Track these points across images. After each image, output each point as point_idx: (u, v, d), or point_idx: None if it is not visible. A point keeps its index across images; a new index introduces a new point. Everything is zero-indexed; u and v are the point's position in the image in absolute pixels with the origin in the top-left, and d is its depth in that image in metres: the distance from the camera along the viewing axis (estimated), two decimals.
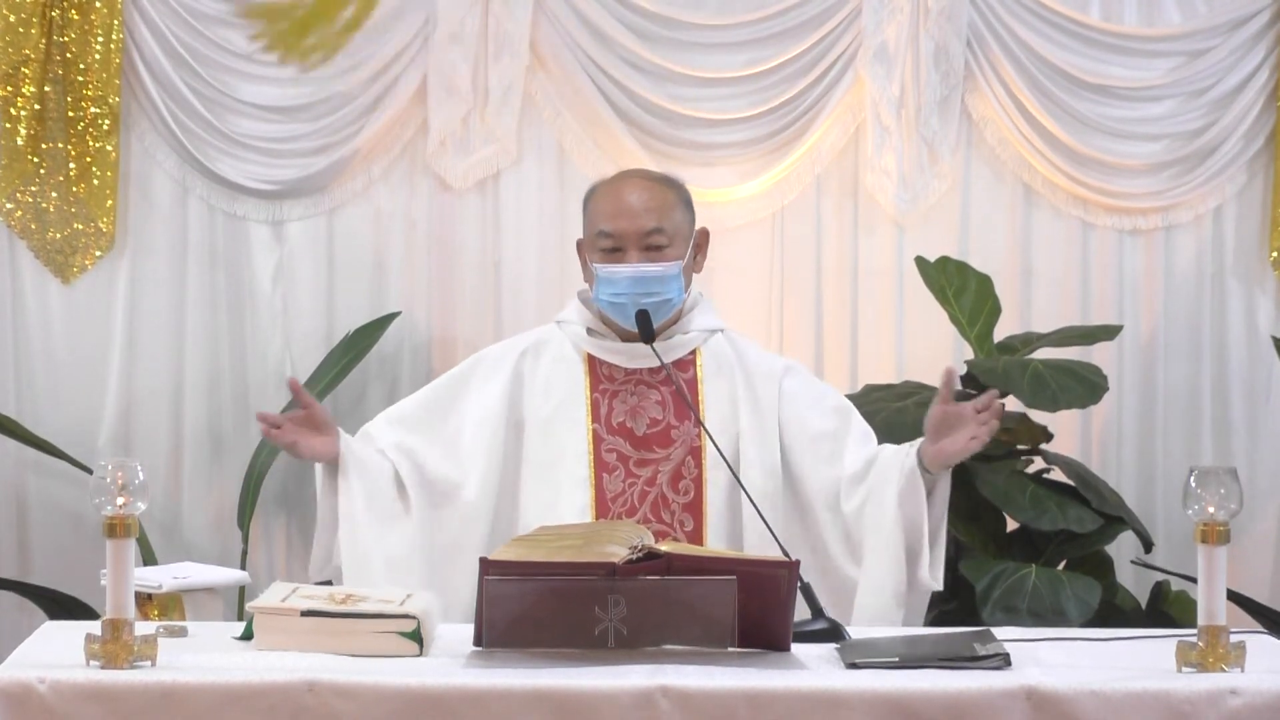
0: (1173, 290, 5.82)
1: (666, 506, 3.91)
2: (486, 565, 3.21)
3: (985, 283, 5.50)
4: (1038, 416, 5.43)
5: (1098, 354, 5.63)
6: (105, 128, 5.54)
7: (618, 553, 3.21)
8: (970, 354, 5.50)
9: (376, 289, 5.73)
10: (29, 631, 3.51)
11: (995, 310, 5.48)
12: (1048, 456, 5.44)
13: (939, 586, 3.88)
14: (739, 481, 3.84)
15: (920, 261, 5.53)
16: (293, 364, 5.68)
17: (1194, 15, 5.77)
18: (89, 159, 5.55)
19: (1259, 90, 5.77)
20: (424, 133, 5.68)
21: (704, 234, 4.02)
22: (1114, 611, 5.16)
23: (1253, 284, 5.82)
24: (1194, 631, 3.17)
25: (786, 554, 3.56)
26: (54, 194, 5.59)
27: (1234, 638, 3.17)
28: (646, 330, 3.87)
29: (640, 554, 3.22)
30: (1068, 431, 5.67)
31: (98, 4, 5.52)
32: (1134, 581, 5.58)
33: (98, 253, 5.62)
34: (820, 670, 3.17)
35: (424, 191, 5.72)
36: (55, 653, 3.18)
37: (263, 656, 3.21)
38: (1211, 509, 3.17)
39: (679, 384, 3.93)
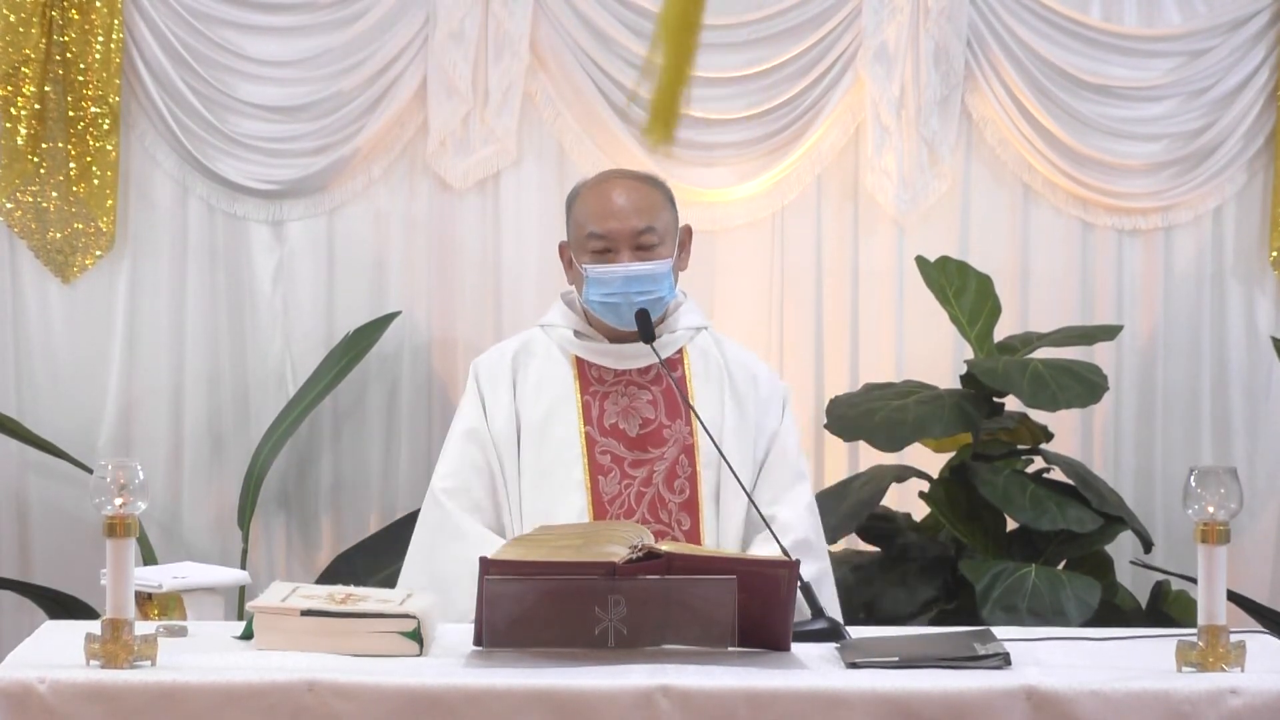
0: (1172, 290, 5.82)
1: (664, 506, 3.90)
2: (486, 565, 3.21)
3: (985, 283, 5.50)
4: (1038, 416, 5.43)
5: (1097, 354, 5.63)
6: (105, 128, 5.54)
7: (618, 552, 3.22)
8: (970, 354, 5.50)
9: (376, 289, 5.73)
10: (29, 631, 3.51)
11: (995, 310, 5.48)
12: (1048, 456, 5.44)
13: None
14: (738, 480, 3.82)
15: (920, 261, 5.53)
16: (293, 364, 5.68)
17: (1194, 15, 5.77)
18: (89, 159, 5.55)
19: (1259, 90, 5.76)
20: (424, 133, 5.68)
21: (687, 231, 4.01)
22: (1114, 611, 5.16)
23: (1252, 284, 5.82)
24: (1194, 631, 3.18)
25: (786, 553, 3.56)
26: (54, 194, 5.58)
27: (1234, 638, 3.17)
28: (646, 329, 3.85)
29: (640, 554, 3.23)
30: (1067, 431, 5.67)
31: (98, 4, 5.52)
32: (1134, 581, 5.58)
33: (98, 252, 5.62)
34: (820, 670, 3.17)
35: (424, 191, 5.71)
36: (55, 652, 3.18)
37: (263, 656, 3.21)
38: (1211, 509, 3.17)
39: (673, 383, 3.92)
